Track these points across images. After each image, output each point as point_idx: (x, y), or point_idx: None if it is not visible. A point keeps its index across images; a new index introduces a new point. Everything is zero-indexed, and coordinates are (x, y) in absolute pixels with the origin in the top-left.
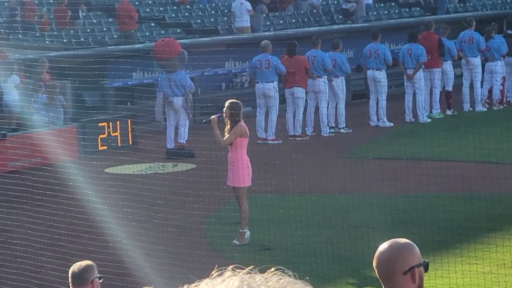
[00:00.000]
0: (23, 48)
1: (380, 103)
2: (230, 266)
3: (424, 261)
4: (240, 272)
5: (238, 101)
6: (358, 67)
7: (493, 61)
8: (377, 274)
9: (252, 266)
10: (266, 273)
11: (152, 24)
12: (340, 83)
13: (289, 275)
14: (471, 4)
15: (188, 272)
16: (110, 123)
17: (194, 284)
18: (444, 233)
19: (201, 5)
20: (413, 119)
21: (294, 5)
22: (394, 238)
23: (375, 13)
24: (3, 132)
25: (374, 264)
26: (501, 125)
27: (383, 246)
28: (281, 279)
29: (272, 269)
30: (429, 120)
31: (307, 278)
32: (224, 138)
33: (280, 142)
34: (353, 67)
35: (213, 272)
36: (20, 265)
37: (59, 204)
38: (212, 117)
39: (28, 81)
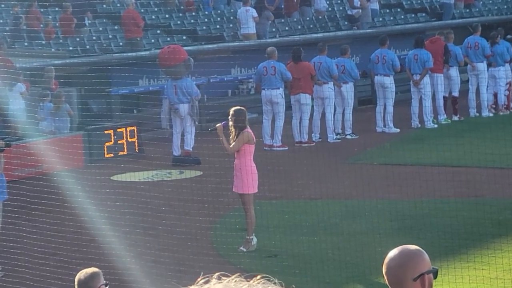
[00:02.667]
0: (29, 56)
1: (387, 109)
2: (216, 274)
3: (433, 268)
4: (226, 279)
5: (243, 108)
6: (364, 73)
7: (496, 66)
8: (386, 280)
9: (238, 274)
10: (252, 281)
11: (158, 31)
12: (349, 89)
13: (275, 283)
14: (477, 9)
15: (194, 279)
16: (116, 130)
17: None
18: (451, 238)
19: (206, 12)
20: (419, 125)
21: (299, 12)
22: (401, 244)
23: (380, 19)
24: (8, 142)
25: (384, 270)
26: (507, 130)
27: (393, 252)
28: (266, 287)
29: (258, 276)
30: (435, 125)
31: (293, 286)
32: (231, 145)
33: (286, 148)
34: (359, 73)
35: (199, 279)
36: (25, 274)
37: (65, 212)
38: (218, 125)
39: (34, 89)
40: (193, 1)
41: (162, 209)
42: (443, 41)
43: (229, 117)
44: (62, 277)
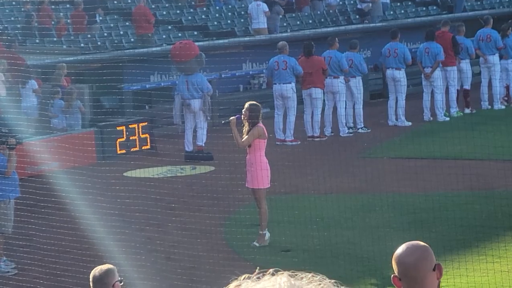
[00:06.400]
0: (41, 53)
1: (399, 103)
2: (271, 270)
3: None
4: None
5: (258, 104)
6: (376, 66)
7: (507, 59)
8: (405, 277)
9: (292, 271)
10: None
11: (169, 27)
12: (357, 83)
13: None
14: (488, 1)
15: (207, 275)
16: (128, 127)
17: (236, 283)
18: (464, 231)
19: (217, 7)
20: (431, 118)
21: (310, 6)
22: (414, 237)
23: (391, 12)
24: (19, 140)
25: (400, 269)
26: None
27: (406, 250)
28: (321, 282)
29: (311, 274)
30: (447, 118)
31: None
32: (242, 139)
33: (298, 143)
34: (370, 66)
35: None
36: (37, 272)
37: (77, 209)
38: (231, 118)
39: (46, 85)
40: None
41: (175, 205)
42: (449, 33)
43: (243, 111)
44: (74, 275)
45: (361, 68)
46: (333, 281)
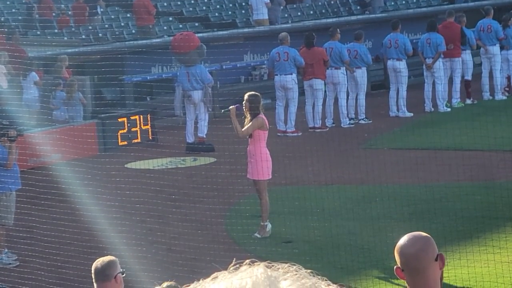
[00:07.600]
0: (42, 45)
1: (400, 93)
2: (247, 260)
3: None
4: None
5: (257, 94)
6: (377, 57)
7: (508, 49)
8: (405, 268)
9: (268, 262)
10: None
11: (170, 19)
12: (362, 74)
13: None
14: None
15: (208, 266)
16: (130, 118)
17: (214, 275)
18: (465, 222)
19: None
20: (433, 109)
21: None
22: (415, 228)
23: (392, 3)
24: (20, 132)
25: (402, 260)
26: None
27: (407, 241)
28: (297, 272)
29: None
30: (448, 109)
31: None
32: (242, 129)
33: (299, 134)
34: (372, 57)
35: (230, 266)
36: (39, 264)
37: (78, 201)
38: (231, 107)
39: (47, 77)
40: None
41: (176, 197)
42: (456, 23)
43: (244, 102)
44: (76, 266)
45: (366, 59)
46: (309, 271)
